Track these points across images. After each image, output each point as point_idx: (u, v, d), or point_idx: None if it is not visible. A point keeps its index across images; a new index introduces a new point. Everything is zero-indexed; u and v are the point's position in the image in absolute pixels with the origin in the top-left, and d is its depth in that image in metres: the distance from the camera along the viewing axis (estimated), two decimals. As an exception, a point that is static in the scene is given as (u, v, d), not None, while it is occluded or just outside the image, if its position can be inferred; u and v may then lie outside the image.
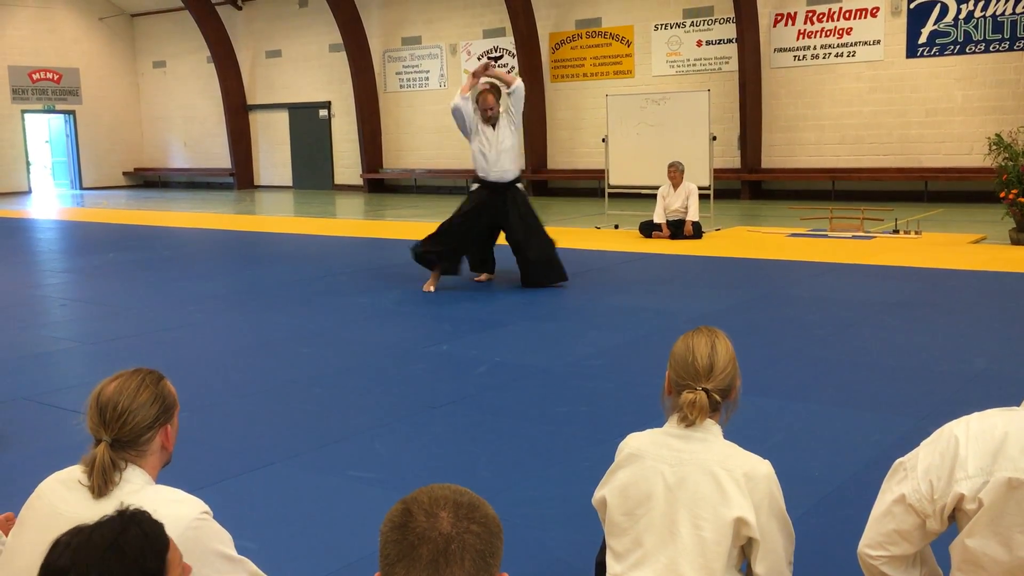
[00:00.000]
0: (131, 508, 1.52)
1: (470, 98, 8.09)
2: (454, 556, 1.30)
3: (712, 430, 2.29)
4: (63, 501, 2.01)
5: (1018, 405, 2.05)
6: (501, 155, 8.07)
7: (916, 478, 1.96)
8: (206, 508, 2.03)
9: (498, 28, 19.78)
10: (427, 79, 21.11)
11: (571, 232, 12.00)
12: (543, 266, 8.17)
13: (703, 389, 2.26)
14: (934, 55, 15.30)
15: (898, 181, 15.80)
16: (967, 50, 15.02)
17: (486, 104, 8.02)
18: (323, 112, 23.05)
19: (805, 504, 3.40)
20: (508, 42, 19.49)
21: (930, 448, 1.98)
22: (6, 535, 2.24)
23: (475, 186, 8.34)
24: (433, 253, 8.16)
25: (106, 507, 1.96)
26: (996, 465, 1.87)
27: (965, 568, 1.93)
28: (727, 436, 2.33)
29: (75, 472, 2.05)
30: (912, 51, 15.49)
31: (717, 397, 2.27)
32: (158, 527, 1.51)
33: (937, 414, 2.06)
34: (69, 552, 1.43)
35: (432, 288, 8.16)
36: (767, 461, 2.27)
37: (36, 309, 8.13)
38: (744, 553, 2.26)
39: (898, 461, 2.04)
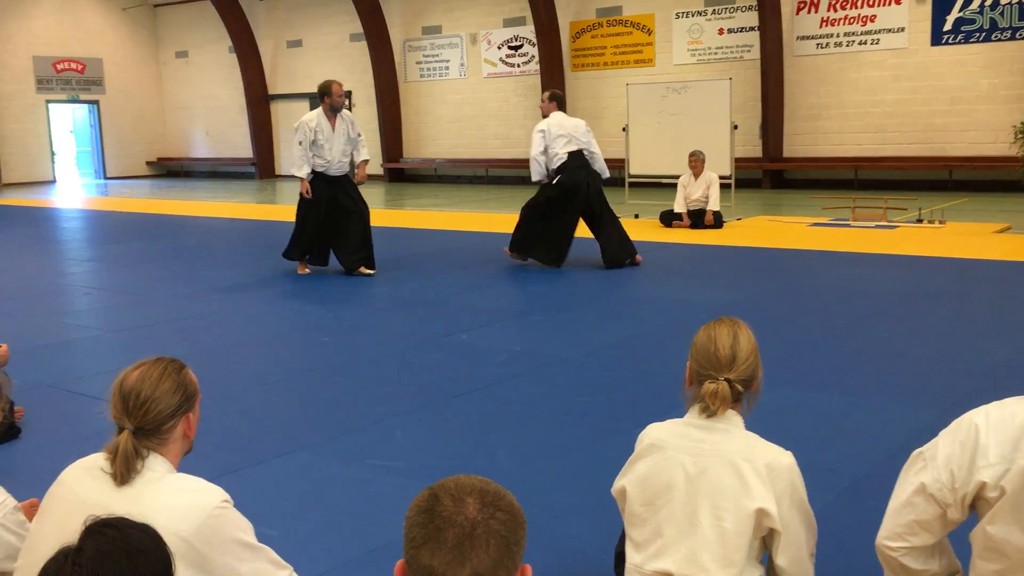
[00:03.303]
0: (107, 519, 1.45)
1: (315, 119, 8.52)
2: (480, 540, 1.30)
3: (734, 421, 2.28)
4: (85, 489, 2.02)
5: None
6: (335, 150, 8.70)
7: (936, 467, 1.95)
8: (226, 497, 2.04)
9: (518, 17, 19.72)
10: (447, 68, 21.09)
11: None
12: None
13: (725, 379, 2.25)
14: (959, 43, 15.12)
15: (922, 170, 15.64)
16: (993, 37, 14.83)
17: (340, 91, 8.51)
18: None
19: (827, 495, 3.39)
20: (528, 31, 19.44)
21: (950, 437, 1.97)
22: (31, 521, 2.26)
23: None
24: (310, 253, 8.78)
25: (129, 494, 1.98)
26: (1017, 452, 1.87)
27: (986, 555, 1.92)
28: (749, 427, 2.31)
29: (98, 459, 2.06)
30: (937, 39, 15.31)
31: (739, 387, 2.26)
32: (152, 529, 1.48)
33: (960, 405, 2.04)
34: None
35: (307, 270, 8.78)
36: (789, 452, 2.26)
37: (61, 297, 8.20)
38: (765, 544, 2.25)
39: (917, 451, 2.02)
